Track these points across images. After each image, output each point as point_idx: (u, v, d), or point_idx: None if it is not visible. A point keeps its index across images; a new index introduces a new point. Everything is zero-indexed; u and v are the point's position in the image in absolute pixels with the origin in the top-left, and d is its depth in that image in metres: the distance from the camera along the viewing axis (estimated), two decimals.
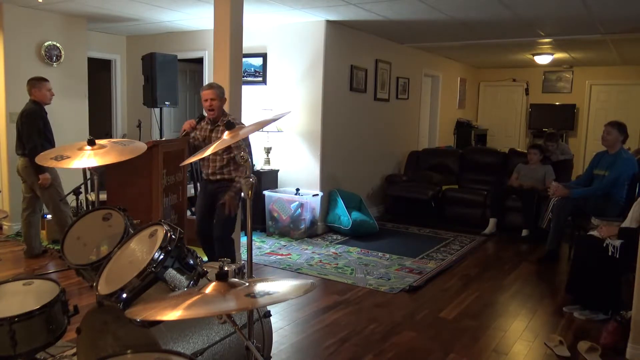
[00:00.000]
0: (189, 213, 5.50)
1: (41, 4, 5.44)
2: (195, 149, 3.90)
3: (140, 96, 5.96)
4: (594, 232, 3.87)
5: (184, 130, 3.90)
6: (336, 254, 5.32)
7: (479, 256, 5.46)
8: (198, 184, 6.17)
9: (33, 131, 4.57)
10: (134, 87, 7.30)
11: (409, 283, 4.42)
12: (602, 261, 3.66)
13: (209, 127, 3.89)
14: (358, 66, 6.57)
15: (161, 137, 5.96)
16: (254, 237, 5.76)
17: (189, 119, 8.50)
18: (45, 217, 5.23)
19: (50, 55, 5.87)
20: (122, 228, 2.42)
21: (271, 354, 2.62)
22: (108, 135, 7.33)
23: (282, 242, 5.70)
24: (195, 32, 6.89)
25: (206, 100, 3.80)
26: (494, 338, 3.41)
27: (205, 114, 3.92)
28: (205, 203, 4.00)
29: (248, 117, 5.51)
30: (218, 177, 3.88)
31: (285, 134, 6.22)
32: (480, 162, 7.43)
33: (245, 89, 5.07)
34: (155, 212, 4.01)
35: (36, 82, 4.71)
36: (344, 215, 6.04)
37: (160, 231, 2.06)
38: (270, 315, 2.52)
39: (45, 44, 5.81)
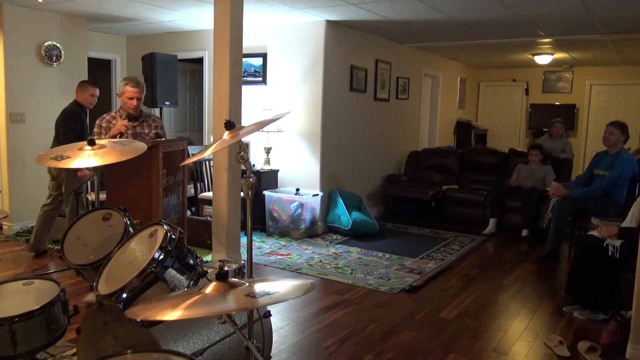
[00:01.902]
0: (188, 213, 5.51)
1: (41, 4, 5.44)
2: None
3: None
4: (594, 232, 3.87)
5: (120, 133, 3.64)
6: (336, 254, 5.32)
7: (479, 256, 5.46)
8: (199, 184, 6.19)
9: (69, 130, 4.69)
10: None
11: (409, 283, 4.42)
12: (602, 261, 3.66)
13: (130, 123, 3.81)
14: (358, 66, 6.57)
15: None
16: (254, 237, 5.76)
17: (189, 119, 8.54)
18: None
19: (50, 55, 5.87)
20: (122, 228, 2.42)
21: (271, 354, 2.62)
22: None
23: (282, 242, 5.70)
24: (195, 32, 6.89)
25: (132, 98, 3.72)
26: (494, 338, 3.41)
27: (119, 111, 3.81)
28: None
29: (248, 117, 5.50)
30: None
31: (285, 134, 6.22)
32: (480, 162, 7.43)
33: (245, 89, 5.07)
34: (155, 212, 4.01)
35: (81, 85, 4.89)
36: (344, 215, 6.03)
37: (160, 231, 2.06)
38: (270, 315, 2.52)
39: (45, 44, 5.81)
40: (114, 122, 3.81)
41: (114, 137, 3.60)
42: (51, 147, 4.79)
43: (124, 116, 3.79)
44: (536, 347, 3.29)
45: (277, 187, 6.26)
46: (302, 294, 1.58)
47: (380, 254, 5.35)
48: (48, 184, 4.93)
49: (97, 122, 3.86)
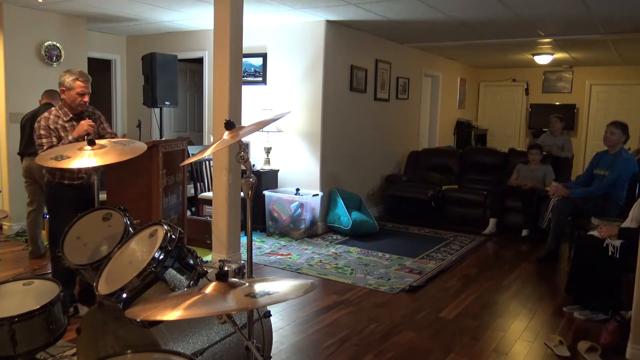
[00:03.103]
0: (188, 213, 5.51)
1: (41, 4, 5.44)
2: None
3: (140, 96, 5.95)
4: (594, 232, 3.87)
5: (88, 133, 3.19)
6: (336, 254, 5.32)
7: (479, 256, 5.46)
8: (199, 184, 6.19)
9: None
10: (134, 87, 7.30)
11: (409, 283, 4.42)
12: (602, 261, 3.65)
13: (74, 123, 3.41)
14: (358, 66, 6.56)
15: (161, 137, 5.96)
16: (254, 237, 5.76)
17: (189, 119, 8.53)
18: (46, 217, 5.23)
19: (50, 55, 5.86)
20: (122, 228, 2.42)
21: (271, 354, 2.62)
22: None
23: (282, 242, 5.70)
24: (195, 32, 6.89)
25: (83, 94, 3.38)
26: (494, 338, 3.41)
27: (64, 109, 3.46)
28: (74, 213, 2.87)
29: (248, 117, 5.50)
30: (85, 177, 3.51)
31: (285, 134, 6.22)
32: (480, 162, 7.43)
33: (245, 89, 5.07)
34: (155, 212, 4.01)
35: (52, 93, 4.80)
36: (344, 215, 6.03)
37: (160, 231, 2.06)
38: (270, 315, 2.52)
39: (45, 44, 5.81)
40: (59, 122, 3.39)
41: (81, 138, 3.22)
42: (25, 149, 4.70)
43: (70, 115, 3.42)
44: (536, 347, 3.29)
45: (277, 187, 6.26)
46: (302, 294, 1.58)
47: (380, 254, 5.35)
48: (26, 188, 4.84)
49: (42, 123, 3.34)
